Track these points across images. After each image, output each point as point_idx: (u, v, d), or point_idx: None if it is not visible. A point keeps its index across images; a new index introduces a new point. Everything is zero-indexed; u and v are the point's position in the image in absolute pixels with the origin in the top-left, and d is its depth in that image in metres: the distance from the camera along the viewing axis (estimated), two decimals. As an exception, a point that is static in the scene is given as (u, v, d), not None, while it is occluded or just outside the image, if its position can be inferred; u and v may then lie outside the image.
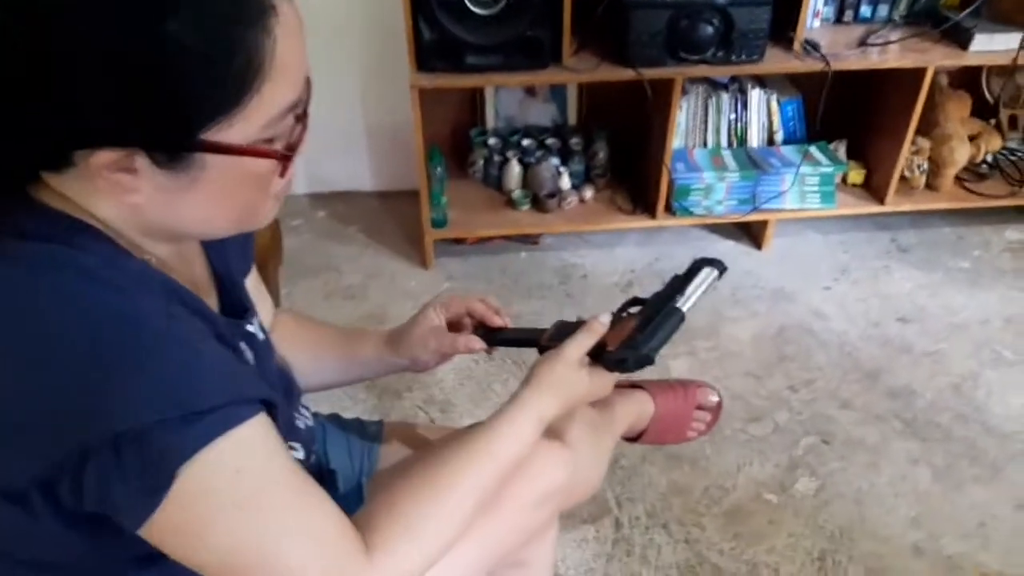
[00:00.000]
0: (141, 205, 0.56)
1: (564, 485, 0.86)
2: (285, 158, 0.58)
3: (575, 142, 2.19)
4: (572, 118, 2.29)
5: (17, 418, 0.51)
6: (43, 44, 0.48)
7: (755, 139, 2.18)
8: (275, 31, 0.52)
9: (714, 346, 1.85)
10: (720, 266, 0.85)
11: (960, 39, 1.95)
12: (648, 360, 0.75)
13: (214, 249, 0.73)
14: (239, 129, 0.54)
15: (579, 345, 0.78)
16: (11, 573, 0.61)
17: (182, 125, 0.52)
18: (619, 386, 1.24)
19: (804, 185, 2.11)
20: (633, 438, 1.23)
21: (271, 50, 0.52)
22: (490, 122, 2.26)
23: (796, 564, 1.39)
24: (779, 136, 2.19)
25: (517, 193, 2.14)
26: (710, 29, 1.83)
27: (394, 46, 1.99)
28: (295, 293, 2.01)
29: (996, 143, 2.22)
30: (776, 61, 1.91)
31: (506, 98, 2.23)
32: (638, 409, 1.17)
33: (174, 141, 0.53)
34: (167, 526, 0.54)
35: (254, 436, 0.57)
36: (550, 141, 2.20)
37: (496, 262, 2.14)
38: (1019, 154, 2.29)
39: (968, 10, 1.96)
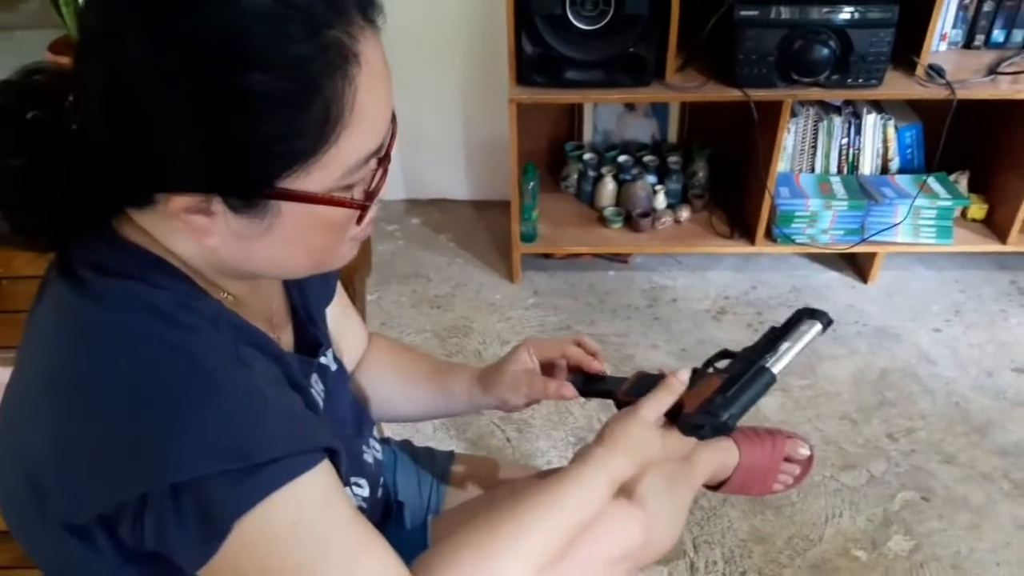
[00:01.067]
0: (217, 247, 0.56)
1: (637, 545, 0.82)
2: (363, 207, 0.57)
3: (674, 160, 2.13)
4: (672, 135, 2.23)
5: (83, 456, 0.52)
6: (133, 94, 0.49)
7: (868, 166, 2.06)
8: (356, 80, 0.51)
9: (809, 384, 1.76)
10: (825, 319, 0.79)
11: (1108, 69, 1.78)
12: (727, 428, 0.70)
13: (294, 283, 0.74)
14: (317, 178, 0.53)
15: (656, 404, 0.74)
16: None
17: (259, 173, 0.52)
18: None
19: (919, 218, 1.98)
20: (714, 487, 1.18)
21: (351, 99, 0.51)
22: (587, 136, 2.23)
23: (883, 630, 1.30)
24: (894, 164, 2.06)
25: (610, 210, 2.10)
26: (826, 51, 1.73)
27: (495, 59, 1.99)
28: (384, 299, 2.04)
29: None
30: (896, 86, 1.80)
31: (605, 113, 2.19)
32: (722, 458, 1.12)
33: (250, 188, 0.52)
34: (223, 572, 0.54)
35: (314, 487, 0.56)
36: (648, 158, 2.15)
37: (584, 279, 2.11)
38: None
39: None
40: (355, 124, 0.52)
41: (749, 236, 2.02)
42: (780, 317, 0.82)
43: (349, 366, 0.87)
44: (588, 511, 0.71)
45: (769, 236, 2.02)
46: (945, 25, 1.90)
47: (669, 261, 2.16)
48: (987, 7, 1.90)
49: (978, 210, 2.05)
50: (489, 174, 2.38)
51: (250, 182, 0.52)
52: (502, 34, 1.77)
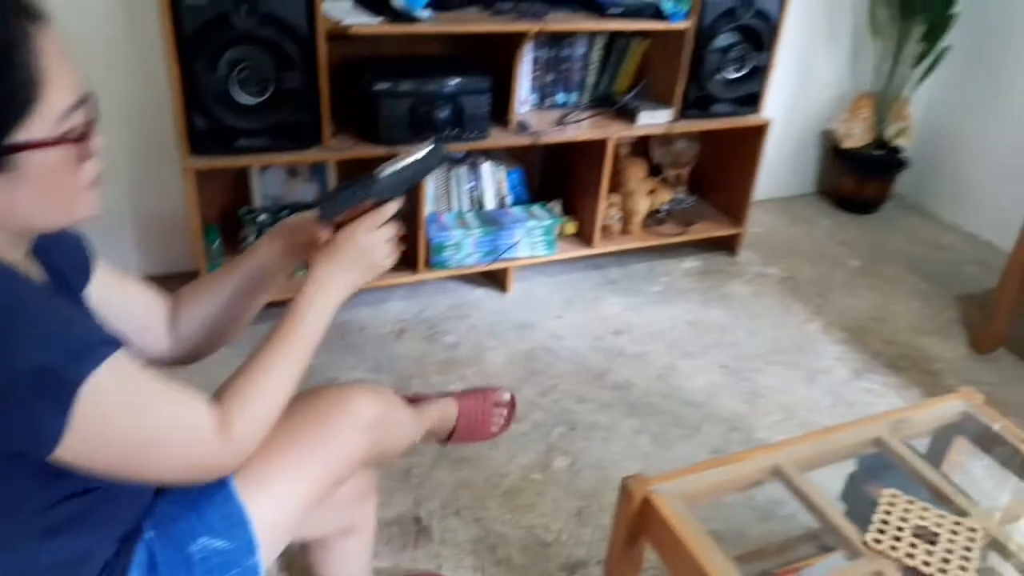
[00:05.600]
0: None
1: (379, 417, 1.08)
2: (79, 142, 0.77)
3: (339, 213, 2.48)
4: (333, 194, 2.58)
5: None
6: None
7: (490, 202, 2.63)
8: (42, 50, 0.72)
9: (478, 370, 2.21)
10: (440, 144, 1.10)
11: (629, 116, 2.57)
12: (377, 184, 1.01)
13: (51, 267, 0.89)
14: (37, 129, 0.72)
15: (367, 222, 1.03)
16: None
17: None
18: (428, 398, 1.55)
19: (532, 237, 2.58)
20: (446, 439, 1.52)
21: (44, 66, 0.72)
22: (257, 202, 2.49)
23: (561, 520, 1.75)
24: (508, 199, 2.67)
25: (291, 261, 2.37)
26: (444, 114, 2.25)
27: (162, 133, 2.17)
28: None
29: (667, 196, 2.89)
30: (498, 138, 2.38)
31: (271, 179, 2.47)
32: (443, 409, 1.47)
33: None
34: (77, 439, 0.74)
35: (126, 361, 0.79)
36: (316, 214, 2.47)
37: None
38: (684, 203, 2.97)
39: (632, 93, 2.60)
40: (51, 82, 0.73)
41: (413, 267, 2.44)
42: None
43: (160, 328, 1.07)
44: (325, 324, 0.99)
45: (428, 265, 2.46)
46: (524, 92, 2.56)
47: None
48: (550, 78, 2.62)
49: (571, 227, 2.74)
50: (162, 247, 2.49)
51: None
52: (164, 110, 1.96)
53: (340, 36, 2.05)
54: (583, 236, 2.72)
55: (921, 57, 3.11)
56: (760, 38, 2.56)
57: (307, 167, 2.49)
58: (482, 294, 2.61)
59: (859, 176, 3.33)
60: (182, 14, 1.86)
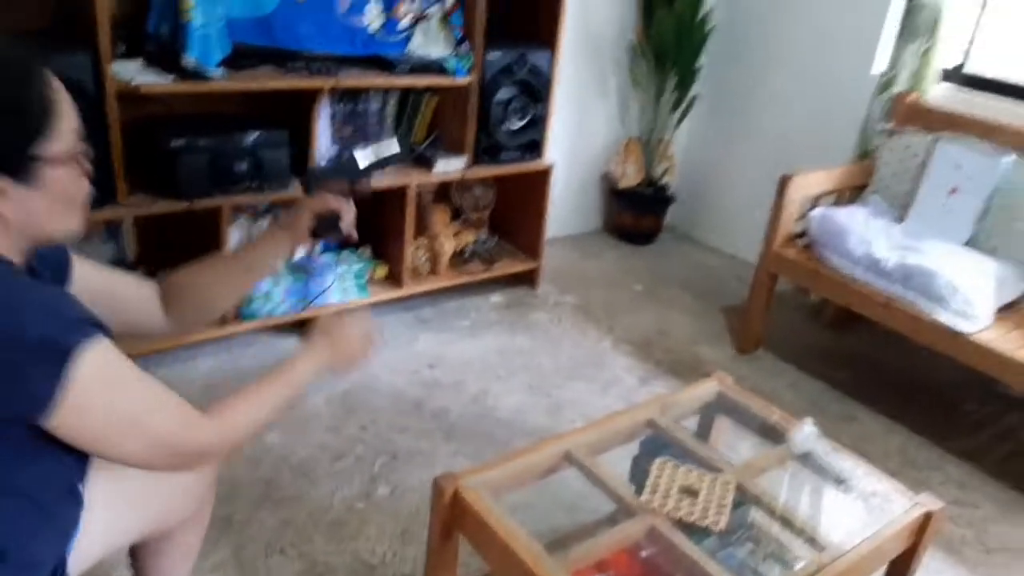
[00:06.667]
0: (6, 213, 0.92)
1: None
2: (82, 160, 0.98)
3: (140, 273, 2.45)
4: (131, 255, 2.54)
5: None
6: None
7: (299, 251, 2.70)
8: (53, 84, 0.94)
9: (295, 415, 2.25)
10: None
11: (427, 164, 2.76)
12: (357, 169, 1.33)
13: (35, 271, 1.03)
14: (54, 147, 0.93)
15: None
16: None
17: (23, 152, 0.91)
18: None
19: (344, 282, 2.68)
20: None
21: (57, 105, 0.93)
22: (48, 266, 2.39)
23: (386, 543, 1.83)
24: (318, 247, 2.75)
25: (90, 323, 2.30)
26: (244, 167, 2.31)
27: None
28: None
29: (470, 237, 3.10)
30: (300, 190, 2.47)
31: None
32: None
33: (24, 166, 0.91)
34: (70, 409, 0.87)
35: (112, 346, 0.92)
36: (115, 274, 2.42)
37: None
38: (487, 243, 3.20)
39: (426, 143, 2.80)
40: (61, 115, 0.94)
41: (221, 320, 2.44)
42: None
43: (155, 310, 1.24)
44: (303, 382, 1.17)
45: (238, 317, 2.47)
46: (324, 145, 2.68)
47: (157, 358, 2.43)
48: (348, 131, 2.75)
49: (382, 271, 2.86)
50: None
51: (23, 156, 0.91)
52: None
53: (132, 96, 2.08)
54: (394, 279, 2.85)
55: (676, 104, 3.60)
56: (536, 91, 2.86)
57: (101, 228, 2.44)
58: (294, 343, 2.65)
59: (635, 212, 3.74)
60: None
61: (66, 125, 0.94)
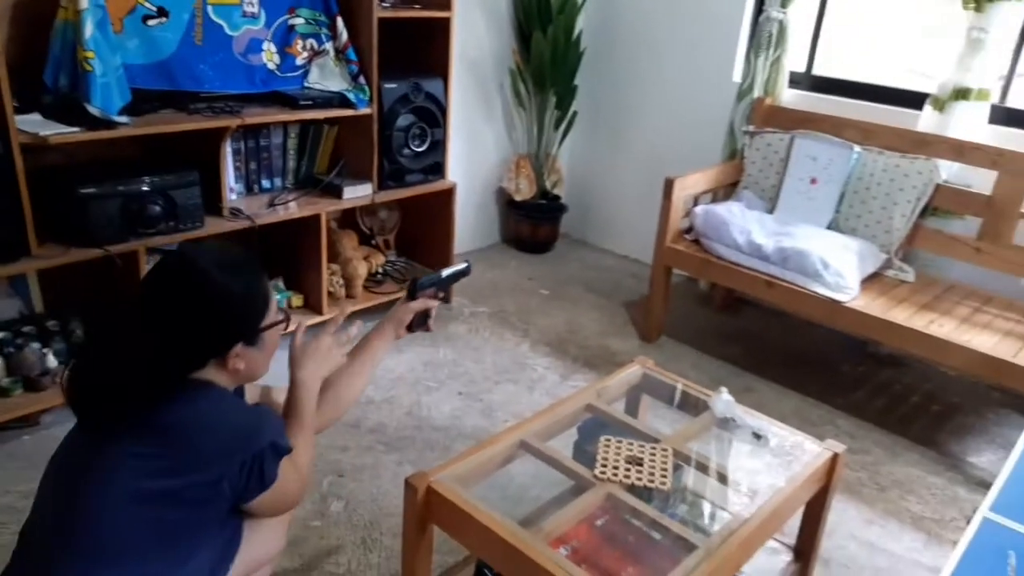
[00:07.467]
0: (239, 368, 1.25)
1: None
2: (286, 320, 1.34)
3: (52, 324, 2.39)
4: (38, 307, 2.47)
5: (216, 452, 1.19)
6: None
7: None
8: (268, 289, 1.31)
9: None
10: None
11: (335, 192, 2.84)
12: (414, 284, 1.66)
13: None
14: (271, 317, 1.30)
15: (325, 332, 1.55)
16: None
17: (256, 328, 1.27)
18: None
19: (263, 314, 2.70)
20: None
21: (269, 294, 1.30)
22: (-50, 327, 2.30)
23: (348, 553, 1.90)
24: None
25: (6, 381, 2.23)
26: (157, 208, 2.32)
27: None
28: None
29: (381, 259, 3.19)
30: (215, 226, 2.50)
31: (-35, 300, 2.31)
32: None
33: (256, 333, 1.27)
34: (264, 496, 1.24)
35: None
36: (26, 329, 2.36)
37: (2, 452, 2.18)
38: (398, 264, 3.30)
39: (334, 173, 2.88)
40: (272, 296, 1.31)
41: (144, 364, 2.42)
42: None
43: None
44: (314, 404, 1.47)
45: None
46: (231, 181, 2.71)
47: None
48: (253, 167, 2.80)
49: (297, 299, 2.90)
50: None
51: (256, 331, 1.27)
52: None
53: (37, 147, 2.06)
54: (311, 305, 2.90)
55: (559, 122, 3.83)
56: (434, 117, 3.00)
57: (4, 282, 2.37)
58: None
59: (532, 223, 3.94)
60: None
61: (272, 300, 1.29)
